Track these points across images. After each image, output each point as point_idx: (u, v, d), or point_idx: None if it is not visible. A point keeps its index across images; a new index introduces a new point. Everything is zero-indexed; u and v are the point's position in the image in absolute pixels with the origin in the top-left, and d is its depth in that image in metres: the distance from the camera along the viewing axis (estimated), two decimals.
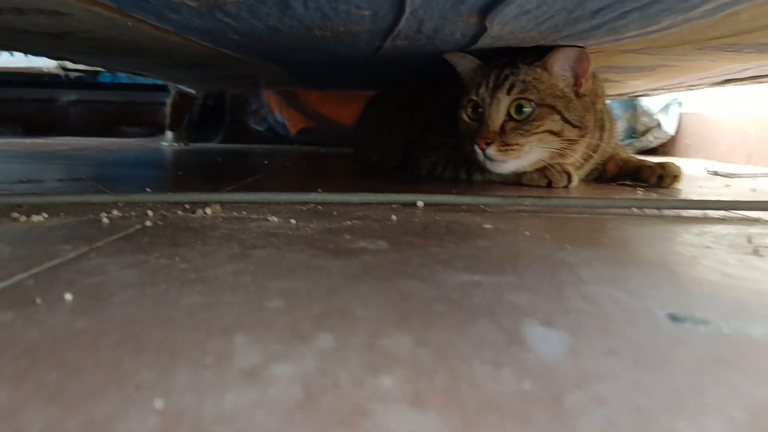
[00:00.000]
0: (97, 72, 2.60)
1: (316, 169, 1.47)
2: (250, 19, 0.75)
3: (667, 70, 1.27)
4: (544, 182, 1.09)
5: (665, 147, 2.32)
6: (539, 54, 1.06)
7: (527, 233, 0.63)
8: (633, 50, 1.04)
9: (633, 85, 1.54)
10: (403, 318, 0.35)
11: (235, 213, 0.70)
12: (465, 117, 1.12)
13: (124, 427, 0.23)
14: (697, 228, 0.68)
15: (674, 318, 0.36)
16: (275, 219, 0.66)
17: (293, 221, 0.66)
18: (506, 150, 1.05)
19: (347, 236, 0.59)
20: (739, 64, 1.14)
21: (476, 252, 0.54)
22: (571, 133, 1.08)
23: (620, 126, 2.38)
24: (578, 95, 1.10)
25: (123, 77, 2.74)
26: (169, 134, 2.25)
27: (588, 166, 1.21)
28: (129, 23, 0.75)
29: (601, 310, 0.38)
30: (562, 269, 0.48)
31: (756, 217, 0.76)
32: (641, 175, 1.16)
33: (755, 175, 1.37)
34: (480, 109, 1.09)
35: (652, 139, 2.31)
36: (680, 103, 2.25)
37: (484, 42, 0.94)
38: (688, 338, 0.33)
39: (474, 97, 1.09)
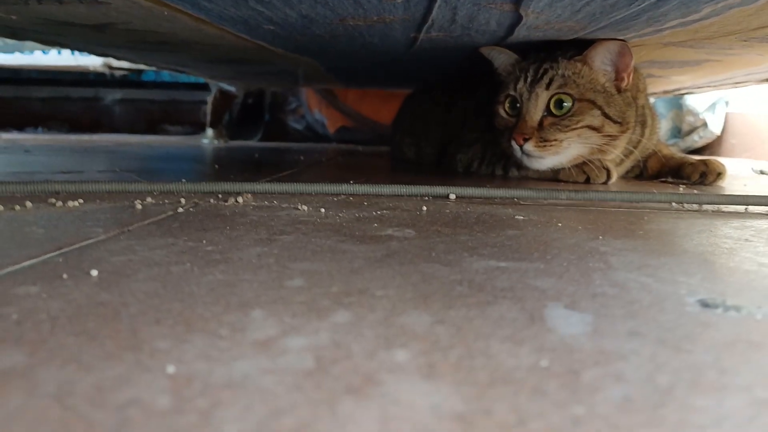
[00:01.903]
0: (141, 71, 2.65)
1: (351, 165, 1.47)
2: (283, 7, 0.75)
3: (712, 64, 1.24)
4: (582, 178, 1.07)
5: (711, 147, 2.26)
6: (579, 48, 1.04)
7: (560, 224, 0.62)
8: (676, 43, 1.02)
9: (678, 80, 1.50)
10: (423, 298, 0.35)
11: (266, 202, 0.71)
12: (502, 112, 1.11)
13: (135, 389, 0.23)
14: (737, 222, 0.66)
15: (705, 304, 0.35)
16: (305, 208, 0.67)
17: (323, 210, 0.66)
18: (544, 146, 1.04)
19: (375, 225, 0.59)
20: None
21: (505, 240, 0.53)
22: (611, 128, 1.06)
23: (665, 125, 2.33)
24: (619, 90, 1.08)
25: (166, 76, 2.79)
26: (209, 131, 2.28)
27: (628, 163, 1.18)
28: (165, 12, 0.77)
29: (628, 294, 0.36)
30: (591, 257, 0.47)
31: None
32: (683, 172, 1.13)
33: None
34: (518, 104, 1.07)
35: (697, 139, 2.26)
36: (727, 102, 2.19)
37: (521, 33, 0.93)
38: (718, 322, 0.32)
39: (512, 92, 1.08)
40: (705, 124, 2.19)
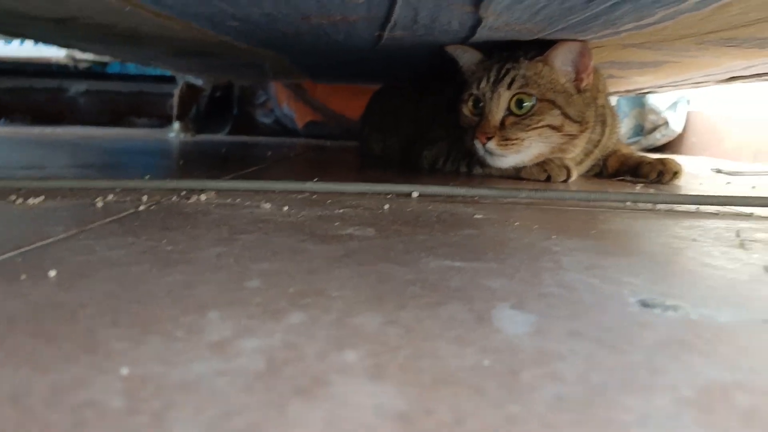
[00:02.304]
0: (106, 63, 2.61)
1: (318, 160, 1.48)
2: (246, 5, 0.76)
3: (670, 66, 1.27)
4: (543, 176, 1.10)
5: (672, 145, 2.31)
6: (541, 48, 1.06)
7: (517, 224, 0.64)
8: (634, 45, 1.04)
9: (639, 81, 1.53)
10: (377, 298, 0.36)
11: (230, 200, 0.71)
12: (466, 111, 1.13)
13: (90, 390, 0.24)
14: (687, 222, 0.68)
15: (645, 304, 0.37)
16: (268, 206, 0.67)
17: (286, 208, 0.67)
18: (506, 144, 1.06)
19: (337, 223, 0.60)
20: (743, 60, 1.14)
21: (462, 240, 0.54)
22: (571, 128, 1.08)
23: (628, 123, 2.38)
24: (579, 90, 1.10)
25: (132, 68, 2.76)
26: (176, 125, 2.27)
27: (589, 161, 1.21)
28: (126, 8, 0.76)
29: (573, 295, 0.38)
30: (543, 257, 0.48)
31: (749, 212, 0.76)
32: (641, 171, 1.16)
33: (759, 173, 1.37)
34: (481, 104, 1.09)
35: (659, 137, 2.30)
36: (688, 101, 2.24)
37: (483, 34, 0.95)
38: (655, 322, 0.34)
39: (475, 92, 1.10)
40: (666, 123, 2.24)
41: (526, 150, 1.08)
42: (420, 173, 1.20)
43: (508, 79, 1.06)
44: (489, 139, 1.05)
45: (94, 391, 0.24)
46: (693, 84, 1.61)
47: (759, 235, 0.61)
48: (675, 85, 1.65)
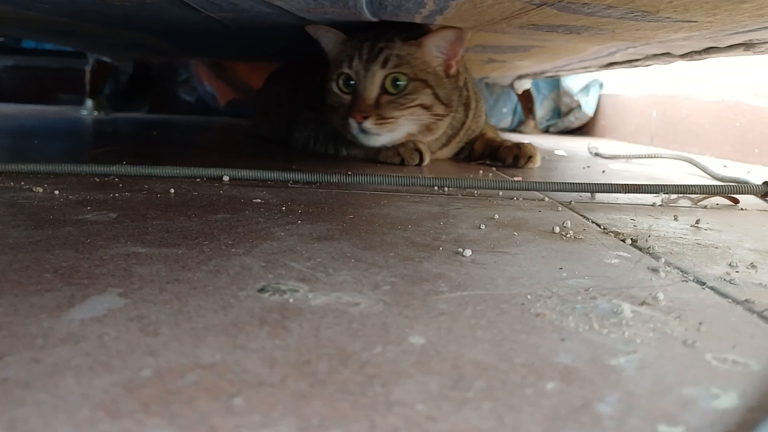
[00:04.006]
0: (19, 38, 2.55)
1: (201, 142, 1.47)
2: None
3: (539, 50, 1.28)
4: (397, 160, 1.11)
5: (586, 127, 2.34)
6: (410, 31, 1.07)
7: (283, 208, 0.64)
8: (489, 30, 1.05)
9: (521, 65, 1.55)
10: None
11: (11, 183, 0.71)
12: (336, 89, 1.11)
13: None
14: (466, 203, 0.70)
15: (262, 290, 0.38)
16: (39, 190, 0.67)
17: (57, 192, 0.67)
18: (382, 123, 1.06)
19: (88, 207, 0.60)
20: (598, 46, 1.16)
21: (197, 225, 0.55)
22: (439, 108, 1.11)
23: (546, 106, 2.41)
24: (448, 75, 1.12)
25: (48, 44, 2.70)
26: (88, 102, 2.23)
27: (455, 144, 1.22)
28: None
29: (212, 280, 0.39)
30: (248, 241, 0.49)
31: (513, 196, 0.78)
32: (500, 155, 1.18)
33: (629, 157, 1.39)
34: (352, 82, 1.09)
35: (573, 120, 2.34)
36: (601, 85, 2.27)
37: None
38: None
39: (346, 70, 1.09)
40: (579, 106, 2.27)
41: (399, 129, 1.09)
42: (297, 155, 1.20)
43: (381, 58, 1.06)
44: (365, 118, 1.05)
45: None
46: (583, 68, 1.64)
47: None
48: (562, 70, 1.67)
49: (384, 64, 1.06)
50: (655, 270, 0.47)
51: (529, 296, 0.39)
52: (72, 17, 1.04)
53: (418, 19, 0.97)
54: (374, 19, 1.01)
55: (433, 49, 1.10)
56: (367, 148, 1.14)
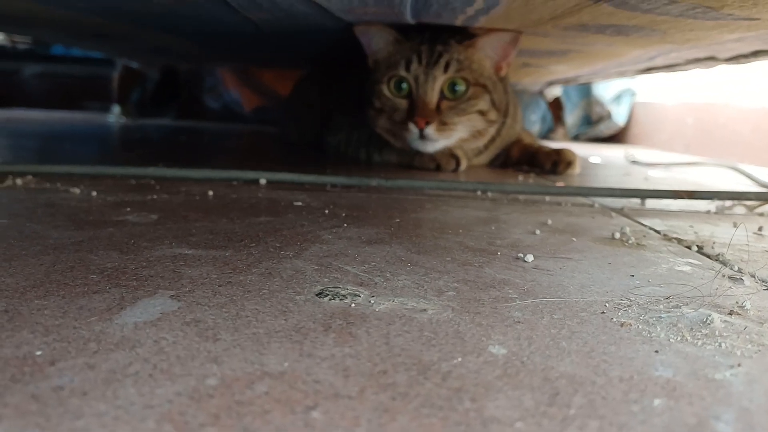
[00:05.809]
0: (49, 44, 2.57)
1: (230, 147, 1.46)
2: None
3: (576, 55, 1.25)
4: (433, 165, 1.08)
5: (618, 136, 2.30)
6: (458, 32, 1.05)
7: (326, 211, 0.62)
8: (530, 33, 1.03)
9: (557, 70, 1.52)
10: (41, 284, 0.35)
11: (48, 185, 0.69)
12: (387, 93, 1.07)
13: None
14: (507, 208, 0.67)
15: (320, 294, 0.36)
16: (77, 191, 0.65)
17: (94, 193, 0.65)
18: (443, 129, 1.04)
19: (128, 209, 0.58)
20: (641, 50, 1.13)
21: (241, 228, 0.53)
22: (493, 114, 1.09)
23: (577, 114, 2.37)
24: (499, 78, 1.10)
25: (76, 50, 2.72)
26: (116, 108, 2.24)
27: (492, 151, 1.19)
28: None
29: (263, 281, 0.37)
30: (295, 244, 0.47)
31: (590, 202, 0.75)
32: (538, 161, 1.15)
33: (668, 165, 1.36)
34: (404, 85, 1.05)
35: (603, 129, 2.29)
36: (634, 93, 2.22)
37: None
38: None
39: (402, 73, 1.05)
40: (610, 115, 2.23)
41: (454, 135, 1.06)
42: (321, 160, 1.18)
43: (443, 62, 1.03)
44: (428, 123, 1.02)
45: None
46: (619, 73, 1.60)
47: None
48: (598, 75, 1.64)
49: (446, 69, 1.03)
50: (732, 278, 0.44)
51: (606, 304, 0.36)
52: (108, 17, 1.03)
53: (459, 21, 0.94)
54: (412, 22, 0.99)
55: (488, 51, 1.07)
56: (403, 154, 1.11)
